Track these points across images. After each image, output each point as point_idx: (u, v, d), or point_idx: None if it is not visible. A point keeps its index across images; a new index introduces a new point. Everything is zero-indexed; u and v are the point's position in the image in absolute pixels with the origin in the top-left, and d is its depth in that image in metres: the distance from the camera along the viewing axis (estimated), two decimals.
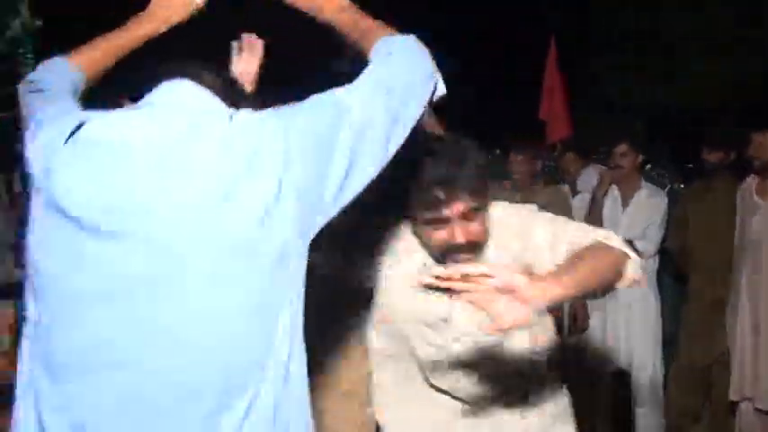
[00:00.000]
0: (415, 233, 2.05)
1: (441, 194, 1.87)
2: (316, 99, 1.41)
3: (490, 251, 2.03)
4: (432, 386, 2.20)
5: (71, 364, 1.28)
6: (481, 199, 1.95)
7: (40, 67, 1.74)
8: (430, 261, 2.05)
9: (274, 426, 1.30)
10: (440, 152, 1.92)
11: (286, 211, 1.30)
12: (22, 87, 1.67)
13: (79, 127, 1.33)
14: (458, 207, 1.89)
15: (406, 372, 2.24)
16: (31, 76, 1.70)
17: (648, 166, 6.01)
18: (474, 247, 1.97)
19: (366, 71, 1.47)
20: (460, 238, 1.91)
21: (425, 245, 2.03)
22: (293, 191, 1.30)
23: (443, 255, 1.97)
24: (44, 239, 1.33)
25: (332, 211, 1.39)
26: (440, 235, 1.95)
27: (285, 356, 1.33)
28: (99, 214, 1.27)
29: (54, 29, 4.58)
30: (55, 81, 1.64)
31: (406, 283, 2.08)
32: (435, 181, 1.87)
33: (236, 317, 1.29)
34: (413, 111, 1.47)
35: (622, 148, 4.83)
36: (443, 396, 2.19)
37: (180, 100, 1.41)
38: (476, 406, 2.17)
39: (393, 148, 1.44)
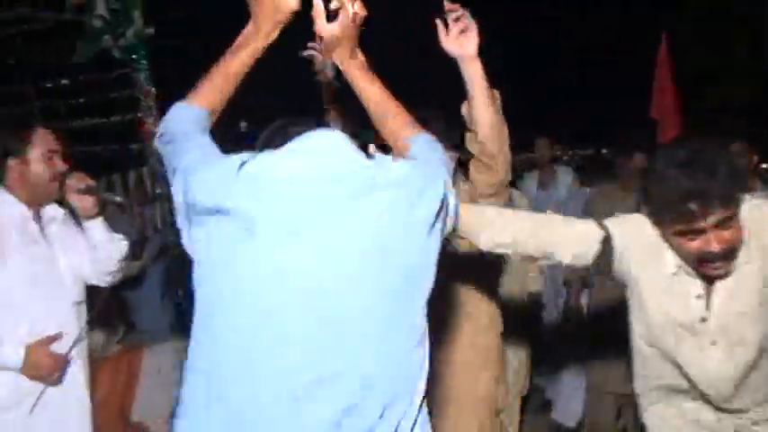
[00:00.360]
0: (664, 238, 2.01)
1: (695, 207, 1.83)
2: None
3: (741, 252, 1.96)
4: (680, 392, 2.18)
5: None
6: (734, 207, 1.87)
7: (165, 118, 1.79)
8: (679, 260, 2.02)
9: None
10: (691, 163, 1.86)
11: (433, 244, 1.54)
12: (156, 142, 1.79)
13: (242, 164, 1.51)
14: (712, 218, 1.84)
15: (659, 377, 2.22)
16: (161, 128, 1.77)
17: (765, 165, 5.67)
18: (729, 254, 1.91)
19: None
20: (716, 247, 1.86)
21: (676, 251, 1.99)
22: (439, 228, 1.55)
23: (697, 262, 1.94)
24: (218, 259, 1.51)
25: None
26: (694, 245, 1.89)
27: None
28: (276, 226, 1.46)
29: (165, 36, 4.80)
30: (182, 128, 1.72)
31: (659, 284, 2.06)
32: (689, 194, 1.82)
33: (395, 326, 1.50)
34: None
35: (736, 147, 4.57)
36: (691, 403, 2.16)
37: (316, 143, 1.57)
38: (725, 414, 2.11)
39: None
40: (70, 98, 5.32)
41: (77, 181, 2.57)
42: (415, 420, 1.51)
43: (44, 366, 2.43)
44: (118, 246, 2.68)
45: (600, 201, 4.08)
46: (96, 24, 4.74)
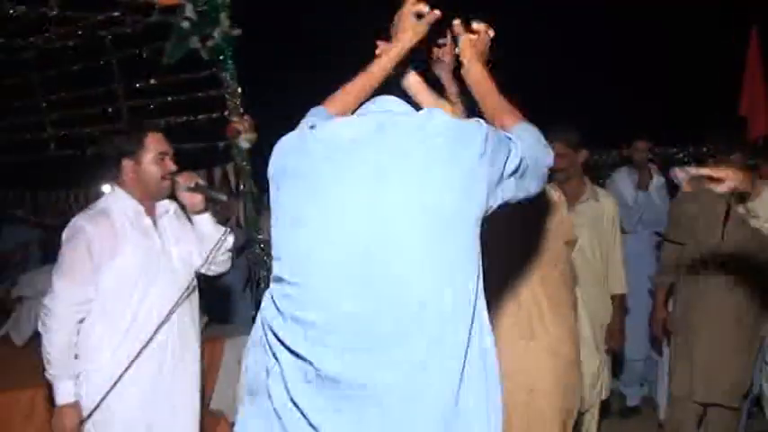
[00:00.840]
0: None
1: None
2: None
3: None
4: None
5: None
6: None
7: (310, 112, 1.97)
8: None
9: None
10: None
11: (480, 190, 1.62)
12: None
13: (312, 126, 1.76)
14: None
15: None
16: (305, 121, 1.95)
17: None
18: None
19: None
20: None
21: None
22: (485, 177, 1.63)
23: None
24: (287, 208, 1.72)
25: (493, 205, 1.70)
26: None
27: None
28: (334, 184, 1.65)
29: (251, 37, 4.90)
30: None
31: None
32: None
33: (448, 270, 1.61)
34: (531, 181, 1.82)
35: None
36: None
37: (380, 106, 1.83)
38: None
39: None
40: (159, 98, 5.50)
41: (185, 179, 2.73)
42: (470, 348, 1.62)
43: (66, 425, 2.57)
44: (225, 239, 2.83)
45: (687, 203, 3.98)
46: (184, 26, 4.87)
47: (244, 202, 4.78)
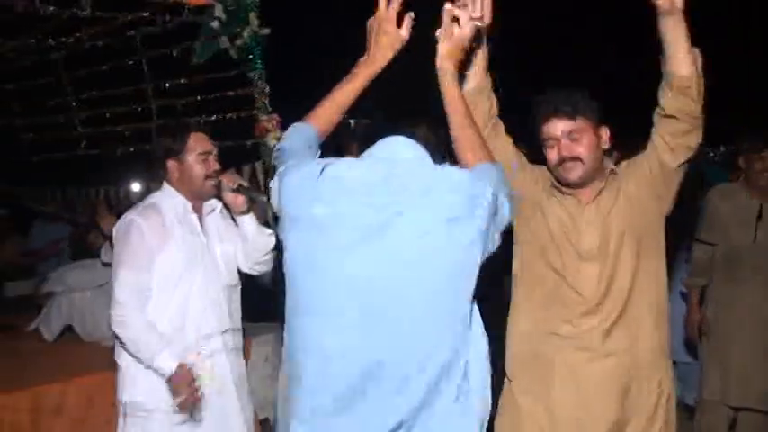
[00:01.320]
0: None
1: None
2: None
3: None
4: None
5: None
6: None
7: (283, 136, 2.06)
8: None
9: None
10: None
11: (484, 241, 1.72)
12: (274, 157, 2.03)
13: (323, 169, 1.80)
14: None
15: None
16: (278, 146, 2.04)
17: None
18: None
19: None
20: None
21: None
22: (483, 231, 1.71)
23: None
24: (298, 250, 1.79)
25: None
26: None
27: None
28: (344, 231, 1.73)
29: (280, 37, 4.92)
30: (293, 145, 1.99)
31: None
32: None
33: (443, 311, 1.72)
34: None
35: None
36: None
37: (391, 151, 1.83)
38: None
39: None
40: (188, 97, 5.55)
41: (229, 181, 2.76)
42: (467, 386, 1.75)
43: (185, 386, 2.56)
44: (267, 239, 2.86)
45: (719, 202, 3.93)
46: (213, 26, 4.91)
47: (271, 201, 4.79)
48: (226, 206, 2.91)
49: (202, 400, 2.61)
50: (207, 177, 2.78)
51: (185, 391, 2.54)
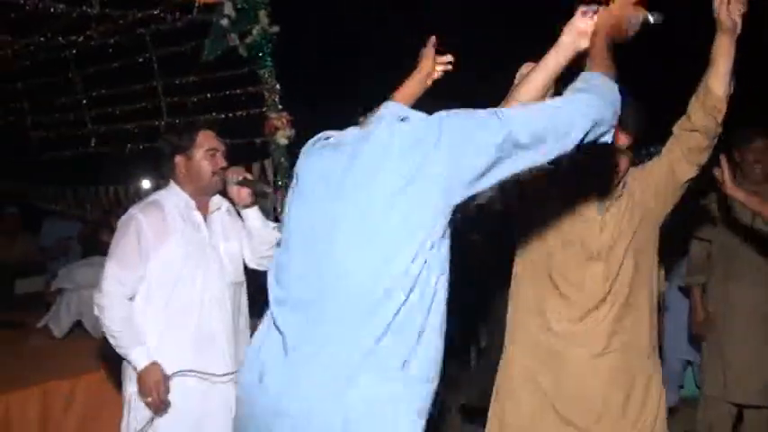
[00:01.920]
0: None
1: None
2: (481, 112, 1.74)
3: None
4: None
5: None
6: None
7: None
8: None
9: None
10: None
11: (429, 185, 1.67)
12: None
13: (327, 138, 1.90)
14: None
15: None
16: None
17: None
18: None
19: (544, 104, 1.81)
20: None
21: None
22: (436, 173, 1.67)
23: None
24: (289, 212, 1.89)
25: (468, 192, 1.71)
26: None
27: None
28: (316, 183, 1.82)
29: (289, 34, 4.91)
30: None
31: None
32: None
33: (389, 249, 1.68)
34: (553, 148, 1.74)
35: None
36: None
37: (382, 112, 1.84)
38: None
39: (521, 167, 1.74)
40: (198, 94, 5.56)
41: (234, 173, 2.78)
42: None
43: (152, 384, 2.64)
44: (273, 232, 2.87)
45: (714, 195, 3.93)
46: (223, 23, 4.90)
47: (281, 198, 4.80)
48: (232, 202, 2.91)
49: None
50: (214, 174, 2.81)
51: (152, 391, 2.61)
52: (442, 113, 1.74)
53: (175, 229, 2.74)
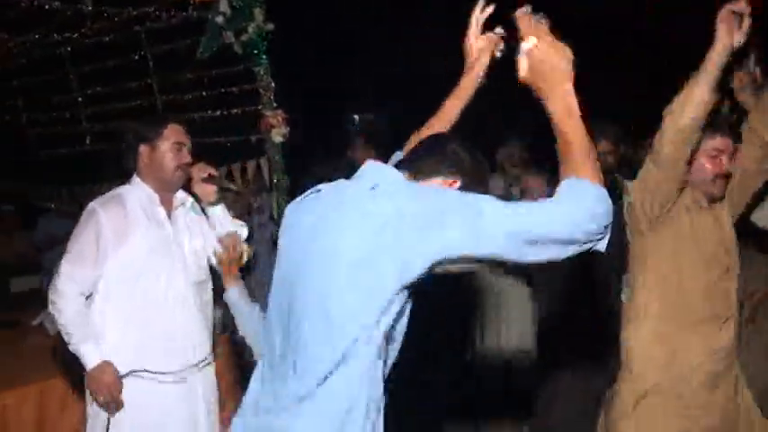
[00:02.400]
0: None
1: None
2: (456, 198, 1.61)
3: None
4: None
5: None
6: None
7: None
8: None
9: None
10: None
11: (387, 262, 1.56)
12: None
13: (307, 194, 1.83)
14: None
15: None
16: None
17: None
18: None
19: (537, 205, 1.56)
20: None
21: None
22: (396, 248, 1.54)
23: None
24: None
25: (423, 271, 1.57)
26: None
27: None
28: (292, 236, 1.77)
29: (285, 32, 4.91)
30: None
31: None
32: None
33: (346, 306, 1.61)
34: (533, 257, 1.56)
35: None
36: None
37: (364, 173, 1.77)
38: None
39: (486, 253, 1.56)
40: (194, 92, 5.55)
41: (199, 170, 2.75)
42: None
43: (104, 383, 2.59)
44: (239, 230, 2.84)
45: None
46: (218, 21, 4.90)
47: (277, 196, 4.80)
48: (197, 199, 2.87)
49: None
50: (177, 168, 2.74)
51: (104, 390, 2.57)
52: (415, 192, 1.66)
53: (138, 225, 2.68)
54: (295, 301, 1.68)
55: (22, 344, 4.23)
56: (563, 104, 1.59)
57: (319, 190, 1.81)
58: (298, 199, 1.86)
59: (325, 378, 1.61)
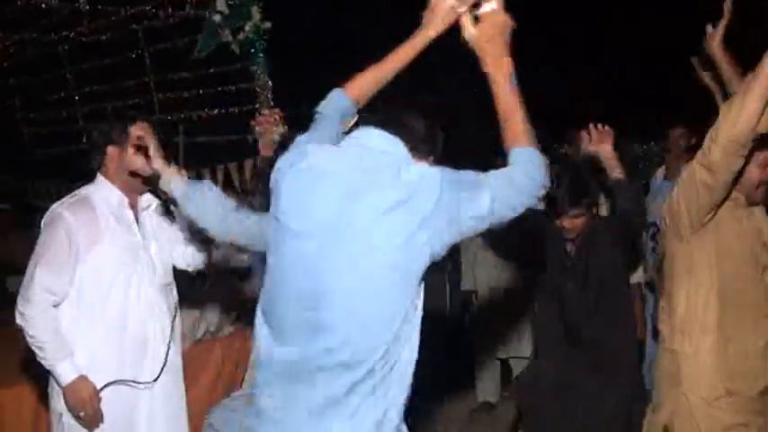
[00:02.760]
0: None
1: None
2: (469, 174, 1.71)
3: None
4: None
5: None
6: None
7: (329, 96, 1.97)
8: None
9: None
10: None
11: (422, 241, 1.63)
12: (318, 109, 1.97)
13: (300, 159, 1.77)
14: None
15: None
16: (324, 101, 1.97)
17: None
18: None
19: (499, 173, 1.72)
20: None
21: None
22: (431, 228, 1.64)
23: None
24: (270, 235, 1.79)
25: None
26: None
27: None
28: (296, 219, 1.72)
29: (282, 31, 4.92)
30: (327, 113, 1.95)
31: None
32: None
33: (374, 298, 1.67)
34: (504, 213, 1.72)
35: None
36: None
37: (369, 142, 1.77)
38: None
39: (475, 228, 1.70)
40: (191, 90, 5.56)
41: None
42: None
43: (83, 399, 2.48)
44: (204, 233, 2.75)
45: None
46: (216, 19, 4.90)
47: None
48: (163, 201, 2.76)
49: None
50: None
51: (85, 405, 2.46)
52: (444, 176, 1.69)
53: (107, 228, 2.54)
54: (323, 288, 1.67)
55: (19, 343, 4.22)
56: (506, 72, 1.76)
57: (306, 154, 1.78)
58: (287, 162, 1.80)
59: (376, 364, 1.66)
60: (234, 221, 2.07)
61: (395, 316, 1.67)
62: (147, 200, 2.69)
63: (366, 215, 1.65)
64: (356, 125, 1.92)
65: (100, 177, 2.62)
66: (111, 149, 2.56)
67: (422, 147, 1.81)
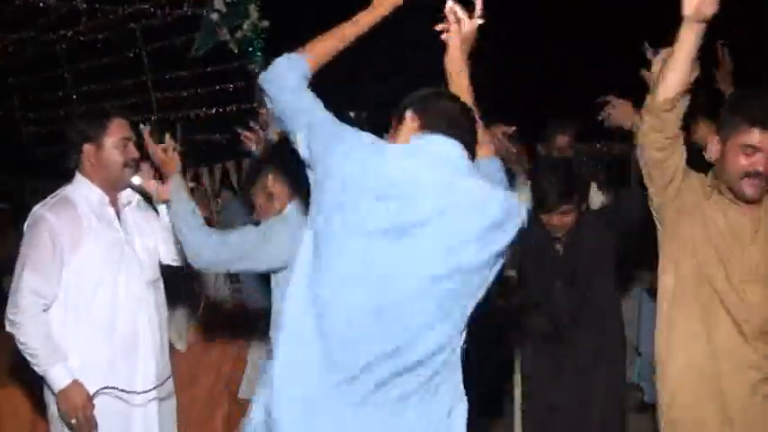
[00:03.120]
0: None
1: None
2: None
3: None
4: None
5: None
6: None
7: (277, 64, 1.86)
8: None
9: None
10: None
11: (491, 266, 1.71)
12: (262, 81, 1.86)
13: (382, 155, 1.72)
14: None
15: None
16: (271, 71, 1.85)
17: None
18: None
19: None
20: None
21: None
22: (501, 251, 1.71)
23: None
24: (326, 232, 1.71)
25: None
26: None
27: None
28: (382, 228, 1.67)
29: (280, 29, 4.91)
30: (294, 83, 1.83)
31: None
32: None
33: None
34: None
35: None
36: None
37: (445, 154, 1.74)
38: None
39: None
40: (189, 89, 5.55)
41: (151, 168, 2.65)
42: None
43: (76, 404, 2.43)
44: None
45: None
46: (213, 18, 4.90)
47: None
48: (145, 197, 2.74)
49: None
50: (125, 165, 2.58)
51: (78, 410, 2.42)
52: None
53: (90, 228, 2.51)
54: (394, 298, 1.66)
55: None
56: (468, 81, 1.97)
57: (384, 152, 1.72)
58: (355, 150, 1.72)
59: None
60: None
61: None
62: (128, 196, 2.67)
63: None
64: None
65: (78, 176, 2.58)
66: (87, 147, 2.53)
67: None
